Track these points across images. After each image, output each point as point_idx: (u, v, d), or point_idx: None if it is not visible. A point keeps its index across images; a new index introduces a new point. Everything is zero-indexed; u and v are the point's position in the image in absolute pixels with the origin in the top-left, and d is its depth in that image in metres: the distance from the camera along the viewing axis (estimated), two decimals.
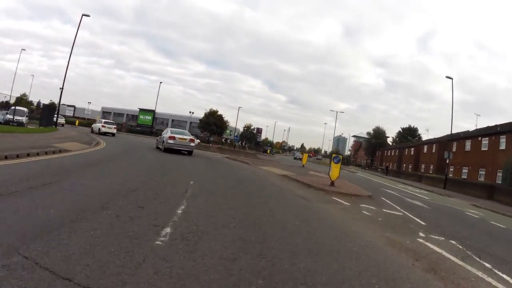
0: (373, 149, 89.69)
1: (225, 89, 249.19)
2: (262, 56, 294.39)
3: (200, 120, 68.61)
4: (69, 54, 29.83)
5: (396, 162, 65.14)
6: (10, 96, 30.51)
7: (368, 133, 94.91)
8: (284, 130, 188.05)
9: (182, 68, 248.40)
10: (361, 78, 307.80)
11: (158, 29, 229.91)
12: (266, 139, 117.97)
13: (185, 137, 19.41)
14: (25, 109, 26.36)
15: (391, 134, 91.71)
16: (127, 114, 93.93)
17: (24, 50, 66.54)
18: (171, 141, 18.59)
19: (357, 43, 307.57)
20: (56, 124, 30.16)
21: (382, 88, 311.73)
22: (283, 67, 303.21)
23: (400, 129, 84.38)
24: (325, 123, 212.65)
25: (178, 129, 23.19)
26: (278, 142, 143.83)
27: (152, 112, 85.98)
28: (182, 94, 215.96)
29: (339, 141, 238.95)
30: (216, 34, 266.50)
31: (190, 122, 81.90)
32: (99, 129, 30.46)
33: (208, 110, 68.38)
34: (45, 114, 27.94)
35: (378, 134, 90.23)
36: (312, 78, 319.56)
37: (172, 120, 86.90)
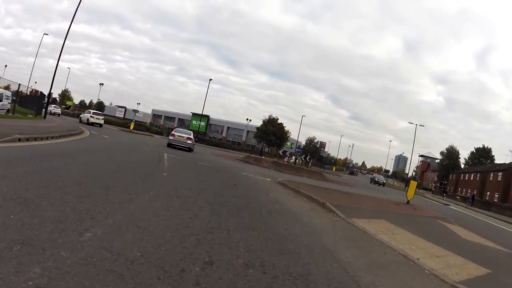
0: (445, 171, 74.59)
1: (288, 101, 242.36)
2: (325, 69, 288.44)
3: (258, 128, 59.68)
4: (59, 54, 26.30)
5: (478, 188, 53.43)
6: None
7: (441, 153, 79.49)
8: (349, 146, 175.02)
9: (245, 78, 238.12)
10: (422, 95, 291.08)
11: (220, 39, 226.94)
12: (329, 155, 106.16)
13: (183, 135, 22.25)
14: (6, 92, 19.38)
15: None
16: (179, 119, 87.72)
17: (46, 34, 61.27)
18: (171, 138, 21.84)
19: (418, 58, 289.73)
20: (45, 113, 25.54)
21: (442, 105, 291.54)
22: (345, 81, 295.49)
23: (474, 150, 74.08)
24: (390, 141, 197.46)
25: (181, 129, 26.97)
26: (340, 159, 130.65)
27: (206, 117, 79.53)
28: (245, 105, 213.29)
29: (400, 160, 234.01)
30: (279, 46, 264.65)
31: (248, 131, 73.48)
32: (88, 119, 31.20)
33: (267, 117, 59.32)
34: (30, 102, 25.78)
35: (451, 155, 75.40)
36: (374, 94, 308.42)
37: (228, 128, 79.21)
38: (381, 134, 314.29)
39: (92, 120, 30.95)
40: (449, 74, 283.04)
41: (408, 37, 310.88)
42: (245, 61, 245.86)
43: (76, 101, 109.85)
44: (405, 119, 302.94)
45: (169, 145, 21.23)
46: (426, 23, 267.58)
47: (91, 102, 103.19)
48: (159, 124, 78.64)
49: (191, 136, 22.91)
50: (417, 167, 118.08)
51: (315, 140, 79.50)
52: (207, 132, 78.15)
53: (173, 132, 22.48)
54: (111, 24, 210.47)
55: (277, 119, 59.11)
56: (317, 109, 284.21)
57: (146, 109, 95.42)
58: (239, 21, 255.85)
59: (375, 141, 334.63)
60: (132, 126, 40.46)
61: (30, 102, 25.56)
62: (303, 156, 51.92)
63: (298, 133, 69.50)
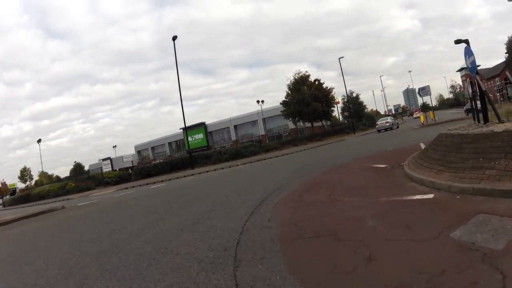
0: None
1: (275, 85, 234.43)
2: (297, 41, 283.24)
3: (284, 101, 38.82)
4: None
5: None
6: None
7: (507, 45, 53.54)
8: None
9: (226, 81, 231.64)
10: (397, 26, 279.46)
11: (187, 54, 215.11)
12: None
13: None
14: None
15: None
16: (169, 143, 66.47)
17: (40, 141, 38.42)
18: None
19: None
20: None
21: (419, 28, 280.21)
22: (321, 43, 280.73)
23: None
24: (384, 87, 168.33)
25: None
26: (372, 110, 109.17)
27: (202, 126, 58.81)
28: (237, 106, 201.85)
29: (408, 94, 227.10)
30: (245, 37, 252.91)
31: (264, 119, 52.21)
32: None
33: (293, 77, 38.91)
34: None
35: None
36: (352, 44, 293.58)
37: (235, 127, 57.84)
38: (374, 78, 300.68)
39: None
40: None
41: None
42: (219, 64, 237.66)
43: (65, 174, 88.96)
44: (391, 55, 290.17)
45: None
46: None
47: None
48: (149, 160, 57.38)
49: None
50: (453, 87, 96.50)
51: (353, 94, 56.70)
52: (210, 144, 57.30)
53: None
54: (80, 85, 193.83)
55: (309, 75, 38.52)
56: None
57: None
58: (198, 30, 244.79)
59: (372, 87, 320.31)
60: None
61: None
62: None
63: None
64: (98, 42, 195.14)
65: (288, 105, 37.71)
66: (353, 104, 53.15)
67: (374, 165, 8.12)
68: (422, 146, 9.12)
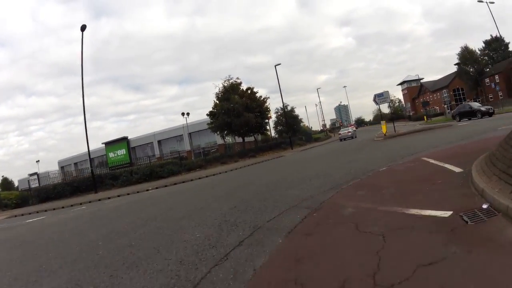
0: (475, 81, 56.58)
1: (204, 102, 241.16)
2: (228, 57, 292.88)
3: (211, 112, 34.27)
4: None
5: None
6: None
7: (460, 56, 59.32)
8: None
9: (156, 97, 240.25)
10: (330, 44, 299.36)
11: (119, 69, 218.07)
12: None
13: None
14: None
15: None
16: (92, 159, 58.29)
17: None
18: None
19: (314, 9, 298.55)
20: None
21: (354, 46, 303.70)
22: (252, 60, 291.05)
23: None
24: (317, 103, 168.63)
25: None
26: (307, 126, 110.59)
27: (124, 140, 53.21)
28: (165, 123, 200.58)
29: (340, 109, 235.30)
30: (177, 53, 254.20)
31: (190, 134, 47.35)
32: None
33: (222, 84, 34.53)
34: None
35: (470, 57, 56.33)
36: (283, 61, 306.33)
37: (159, 142, 52.05)
38: (304, 96, 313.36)
39: None
40: (351, 13, 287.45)
41: None
42: (150, 80, 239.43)
43: None
44: (322, 73, 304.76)
45: None
46: None
47: None
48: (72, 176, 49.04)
49: None
50: (392, 103, 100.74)
51: (288, 107, 53.83)
52: (133, 161, 51.19)
53: None
54: (15, 97, 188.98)
55: (240, 82, 34.82)
56: None
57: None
58: (131, 44, 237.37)
59: (303, 104, 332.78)
60: None
61: None
62: None
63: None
64: (35, 52, 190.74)
65: (216, 116, 33.10)
66: (289, 117, 50.12)
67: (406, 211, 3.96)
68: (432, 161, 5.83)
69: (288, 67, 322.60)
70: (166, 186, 17.65)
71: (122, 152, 54.57)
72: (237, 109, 31.26)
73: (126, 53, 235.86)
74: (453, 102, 66.54)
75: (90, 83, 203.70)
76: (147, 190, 17.17)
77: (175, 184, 17.84)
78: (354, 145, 21.11)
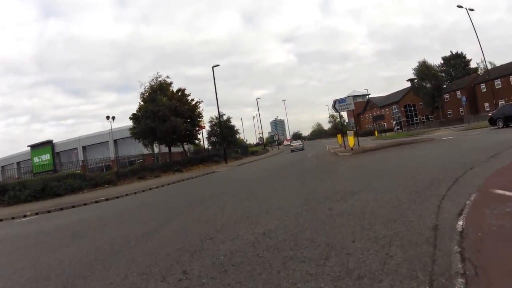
0: (432, 97, 57.89)
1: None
2: (168, 67, 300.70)
3: (134, 115, 30.32)
4: None
5: None
6: None
7: (417, 71, 60.99)
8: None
9: (95, 103, 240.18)
10: (271, 59, 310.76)
11: (62, 72, 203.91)
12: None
13: None
14: None
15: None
16: (18, 163, 51.81)
17: None
18: None
19: (258, 25, 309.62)
20: None
21: (294, 63, 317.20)
22: (191, 71, 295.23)
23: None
24: (254, 116, 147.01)
25: None
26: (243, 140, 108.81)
27: (49, 144, 50.04)
28: (102, 129, 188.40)
29: (276, 124, 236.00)
30: (118, 60, 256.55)
31: (115, 140, 43.09)
32: None
33: (149, 83, 30.78)
34: None
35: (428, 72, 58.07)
36: (222, 75, 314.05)
37: (84, 148, 47.12)
38: (240, 109, 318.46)
39: None
40: (295, 31, 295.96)
41: (245, 8, 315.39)
42: (90, 86, 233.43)
43: None
44: (260, 88, 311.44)
45: None
46: None
47: None
48: None
49: None
50: (333, 117, 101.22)
51: (224, 116, 50.94)
52: (57, 167, 46.13)
53: None
54: None
55: (171, 82, 31.31)
56: None
57: None
58: (75, 47, 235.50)
59: (239, 118, 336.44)
60: None
61: None
62: None
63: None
64: None
65: (139, 120, 29.17)
66: (224, 128, 46.51)
67: None
68: None
69: (227, 80, 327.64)
70: (61, 209, 13.37)
71: (46, 157, 50.44)
72: (163, 112, 27.59)
73: (70, 56, 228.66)
74: (404, 118, 67.85)
75: (31, 84, 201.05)
76: (24, 216, 12.76)
77: (73, 206, 13.75)
78: (312, 162, 17.68)
